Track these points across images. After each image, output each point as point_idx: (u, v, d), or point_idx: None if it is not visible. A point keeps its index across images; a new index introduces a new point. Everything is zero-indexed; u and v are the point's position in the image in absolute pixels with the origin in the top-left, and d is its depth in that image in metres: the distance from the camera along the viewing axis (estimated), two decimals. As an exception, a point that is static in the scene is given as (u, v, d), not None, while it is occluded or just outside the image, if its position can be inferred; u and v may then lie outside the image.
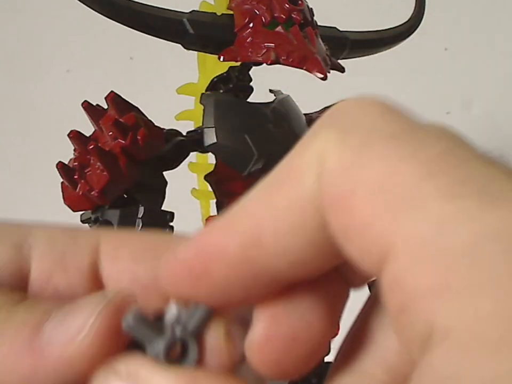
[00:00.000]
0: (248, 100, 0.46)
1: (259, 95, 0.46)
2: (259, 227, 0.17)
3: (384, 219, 0.15)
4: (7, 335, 0.18)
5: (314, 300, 0.18)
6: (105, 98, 0.41)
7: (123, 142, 0.40)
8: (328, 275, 0.18)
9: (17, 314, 0.19)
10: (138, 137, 0.40)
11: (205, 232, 0.18)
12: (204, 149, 0.44)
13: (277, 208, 0.17)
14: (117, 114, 0.40)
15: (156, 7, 0.41)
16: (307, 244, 0.17)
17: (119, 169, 0.40)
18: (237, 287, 0.18)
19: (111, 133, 0.40)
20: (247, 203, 0.18)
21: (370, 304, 0.19)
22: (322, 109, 0.50)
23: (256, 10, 0.41)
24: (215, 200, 0.46)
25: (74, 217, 0.43)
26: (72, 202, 0.41)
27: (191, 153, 0.45)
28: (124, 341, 0.18)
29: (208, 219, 0.48)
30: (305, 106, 0.47)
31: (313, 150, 0.17)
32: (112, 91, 0.41)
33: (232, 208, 0.18)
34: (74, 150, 0.41)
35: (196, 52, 0.45)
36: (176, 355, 0.18)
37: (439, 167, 0.15)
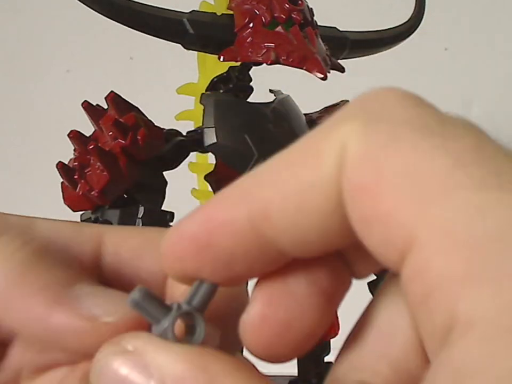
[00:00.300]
0: (248, 100, 0.46)
1: (259, 95, 0.46)
2: (270, 201, 0.17)
3: (411, 208, 0.15)
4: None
5: (313, 287, 0.18)
6: (105, 98, 0.41)
7: (123, 142, 0.40)
8: (330, 263, 0.18)
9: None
10: (138, 137, 0.40)
11: (211, 202, 0.18)
12: (204, 149, 0.44)
13: (290, 185, 0.17)
14: (117, 114, 0.40)
15: (156, 7, 0.41)
16: (316, 225, 0.16)
17: (119, 169, 0.40)
18: (240, 261, 0.17)
19: (111, 133, 0.40)
20: (259, 176, 0.17)
21: (376, 300, 0.19)
22: (322, 109, 0.50)
23: (256, 10, 0.41)
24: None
25: (74, 217, 0.43)
26: (72, 202, 0.41)
27: (191, 153, 0.45)
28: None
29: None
30: (305, 106, 0.47)
31: (337, 136, 0.16)
32: (112, 91, 0.41)
33: (242, 180, 0.17)
34: (74, 150, 0.41)
35: (195, 52, 0.45)
36: (182, 333, 0.18)
37: (472, 158, 0.15)
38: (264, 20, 0.41)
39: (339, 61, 0.44)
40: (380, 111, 0.16)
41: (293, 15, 0.41)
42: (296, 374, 0.45)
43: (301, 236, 0.17)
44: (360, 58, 0.50)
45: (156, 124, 0.42)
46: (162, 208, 0.43)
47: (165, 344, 0.17)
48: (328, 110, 0.50)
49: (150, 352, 0.17)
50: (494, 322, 0.13)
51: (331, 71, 0.42)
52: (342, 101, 0.50)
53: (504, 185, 0.14)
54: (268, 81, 0.46)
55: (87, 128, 0.41)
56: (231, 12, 0.42)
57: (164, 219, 0.42)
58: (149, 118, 0.42)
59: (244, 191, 0.17)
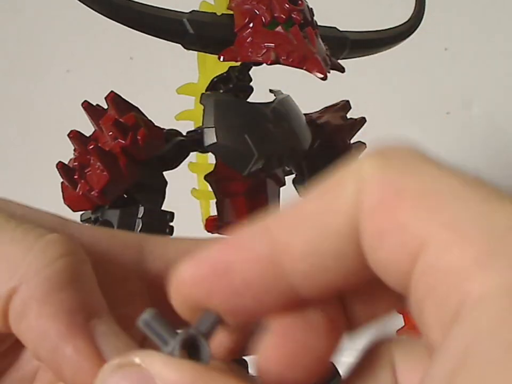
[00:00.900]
0: (248, 100, 0.46)
1: (259, 95, 0.46)
2: (290, 244, 0.18)
3: (423, 217, 0.16)
4: None
5: (324, 317, 0.19)
6: (105, 98, 0.41)
7: (123, 142, 0.40)
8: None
9: None
10: (138, 137, 0.40)
11: (235, 234, 0.19)
12: (204, 149, 0.44)
13: (311, 230, 0.18)
14: (117, 114, 0.40)
15: (156, 7, 0.41)
16: (335, 254, 0.17)
17: (119, 169, 0.40)
18: (252, 293, 0.18)
19: (111, 133, 0.40)
20: (283, 217, 0.18)
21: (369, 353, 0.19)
22: (322, 109, 0.50)
23: (256, 10, 0.41)
24: (215, 200, 0.46)
25: (74, 217, 0.43)
26: (72, 202, 0.41)
27: (191, 153, 0.45)
28: None
29: (208, 219, 0.48)
30: (305, 106, 0.47)
31: (353, 170, 0.18)
32: (112, 91, 0.41)
33: (266, 218, 0.19)
34: (74, 150, 0.41)
35: (196, 52, 0.45)
36: (188, 355, 0.18)
37: (478, 180, 0.17)
38: (264, 20, 0.41)
39: (339, 61, 0.44)
40: (391, 152, 0.18)
41: (293, 15, 0.41)
42: None
43: (317, 277, 0.18)
44: (360, 58, 0.50)
45: (156, 124, 0.42)
46: (162, 208, 0.43)
47: (172, 359, 0.18)
48: (328, 110, 0.50)
49: (156, 366, 0.17)
50: (503, 295, 0.14)
51: (331, 71, 0.42)
52: (342, 101, 0.50)
53: (506, 198, 0.16)
54: (268, 81, 0.46)
55: (87, 128, 0.41)
56: (231, 12, 0.42)
57: (164, 219, 0.42)
58: (149, 118, 0.42)
59: (267, 230, 0.18)
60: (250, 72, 0.46)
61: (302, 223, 0.18)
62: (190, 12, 0.42)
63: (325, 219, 0.17)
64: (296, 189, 0.50)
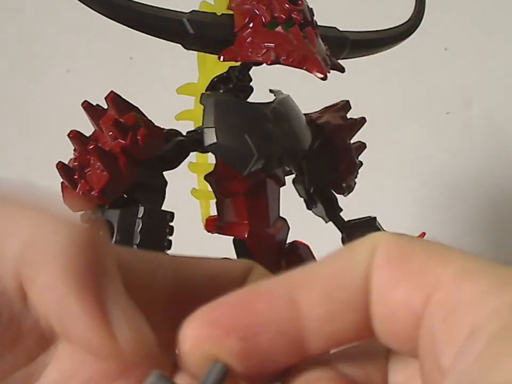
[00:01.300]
0: (248, 100, 0.46)
1: (259, 95, 0.46)
2: (309, 280, 0.19)
3: (436, 264, 0.19)
4: None
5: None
6: (105, 98, 0.41)
7: (123, 142, 0.40)
8: None
9: None
10: (138, 137, 0.40)
11: (256, 287, 0.20)
12: (204, 149, 0.44)
13: (329, 268, 0.20)
14: (117, 114, 0.40)
15: (156, 7, 0.41)
16: (346, 303, 0.19)
17: (119, 169, 0.40)
18: (268, 334, 0.19)
19: (111, 133, 0.40)
20: (303, 278, 0.20)
21: None
22: (322, 109, 0.50)
23: (256, 10, 0.41)
24: (215, 200, 0.46)
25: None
26: (72, 202, 0.41)
27: (191, 153, 0.45)
28: None
29: (208, 219, 0.48)
30: (305, 106, 0.47)
31: (368, 238, 0.20)
32: (112, 91, 0.41)
33: (286, 276, 0.20)
34: (74, 150, 0.41)
35: (196, 52, 0.45)
36: None
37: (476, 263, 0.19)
38: (264, 20, 0.41)
39: (339, 61, 0.44)
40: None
41: (293, 15, 0.41)
42: None
43: (328, 323, 0.19)
44: (360, 58, 0.50)
45: (156, 124, 0.42)
46: (162, 208, 0.43)
47: None
48: (328, 110, 0.50)
49: None
50: (500, 322, 0.17)
51: (331, 71, 0.42)
52: (342, 101, 0.50)
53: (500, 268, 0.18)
54: (268, 81, 0.46)
55: (87, 128, 0.41)
56: (231, 12, 0.42)
57: (164, 219, 0.42)
58: (149, 118, 0.42)
59: (288, 278, 0.20)
60: (250, 72, 0.46)
61: (321, 273, 0.19)
62: (190, 12, 0.42)
63: (341, 273, 0.19)
64: (296, 189, 0.50)
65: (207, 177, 0.45)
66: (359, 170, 0.50)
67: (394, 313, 0.19)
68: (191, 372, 0.20)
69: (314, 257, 0.47)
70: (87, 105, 0.41)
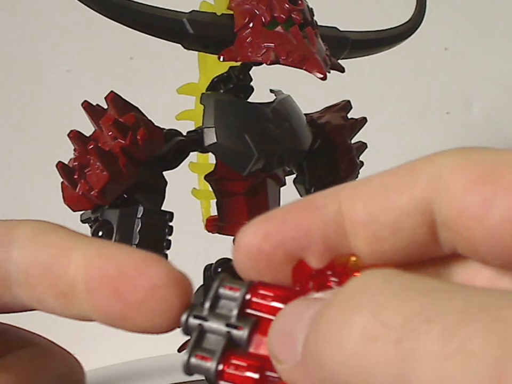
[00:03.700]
0: (249, 100, 0.46)
1: (259, 95, 0.46)
2: (357, 199, 0.19)
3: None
4: None
5: None
6: (105, 98, 0.41)
7: (123, 142, 0.40)
8: None
9: None
10: (138, 137, 0.40)
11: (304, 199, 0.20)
12: (204, 149, 0.44)
13: (379, 188, 0.19)
14: (117, 114, 0.40)
15: (156, 7, 0.41)
16: (394, 227, 0.18)
17: (119, 169, 0.40)
18: (315, 248, 0.19)
19: (111, 133, 0.40)
20: (361, 188, 0.19)
21: None
22: (322, 109, 0.50)
23: (256, 10, 0.41)
24: (215, 200, 0.46)
25: (75, 217, 0.43)
26: (72, 202, 0.41)
27: (191, 153, 0.44)
28: None
29: (209, 219, 0.48)
30: (305, 106, 0.47)
31: (428, 159, 0.18)
32: (112, 91, 0.41)
33: (344, 186, 0.19)
34: (74, 150, 0.41)
35: (196, 52, 0.45)
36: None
37: None
38: (264, 20, 0.41)
39: (339, 61, 0.44)
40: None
41: (293, 15, 0.41)
42: None
43: (372, 245, 0.19)
44: (360, 58, 0.50)
45: (156, 124, 0.42)
46: (162, 208, 0.43)
47: None
48: (329, 110, 0.50)
49: None
50: None
51: (331, 71, 0.42)
52: (342, 101, 0.50)
53: None
54: (268, 81, 0.46)
55: (87, 128, 0.41)
56: (231, 12, 0.42)
57: (163, 219, 0.42)
58: (149, 118, 0.42)
59: (336, 195, 0.19)
60: (250, 72, 0.46)
61: (370, 192, 0.18)
62: (190, 12, 0.42)
63: (392, 194, 0.18)
64: (296, 189, 0.50)
65: (208, 177, 0.45)
66: (360, 171, 0.50)
67: (494, 232, 0.17)
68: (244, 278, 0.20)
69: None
70: (87, 105, 0.41)
